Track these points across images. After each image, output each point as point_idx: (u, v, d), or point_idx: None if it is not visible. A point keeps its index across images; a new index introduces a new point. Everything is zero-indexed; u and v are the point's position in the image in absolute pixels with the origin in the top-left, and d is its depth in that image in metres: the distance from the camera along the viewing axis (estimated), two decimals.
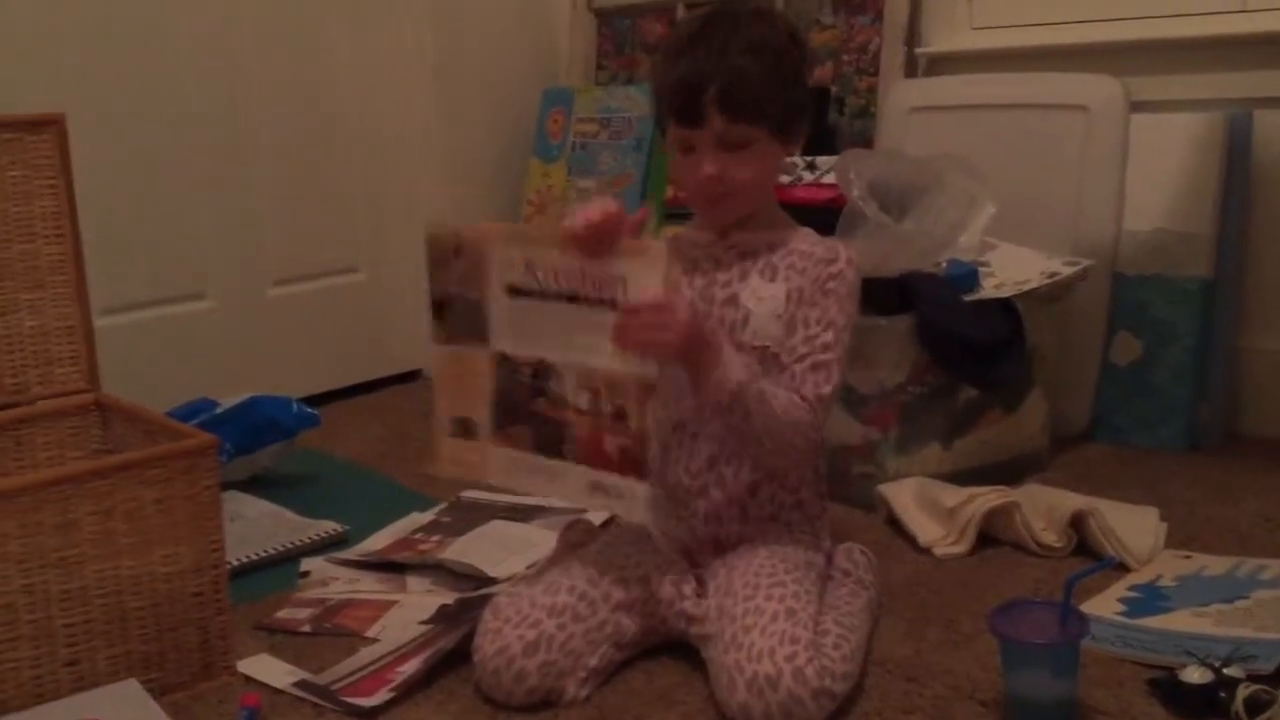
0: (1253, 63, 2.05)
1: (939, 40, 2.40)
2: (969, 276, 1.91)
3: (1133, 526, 1.66)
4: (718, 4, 1.42)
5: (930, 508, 1.75)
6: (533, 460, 1.39)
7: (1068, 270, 1.98)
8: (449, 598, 1.55)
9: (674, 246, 1.48)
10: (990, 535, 1.71)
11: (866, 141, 2.42)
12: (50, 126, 1.56)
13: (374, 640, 1.49)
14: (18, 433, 1.58)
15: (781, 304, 1.40)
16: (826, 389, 1.37)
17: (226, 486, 1.79)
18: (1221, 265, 2.07)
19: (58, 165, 1.56)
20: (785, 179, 2.25)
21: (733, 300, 1.43)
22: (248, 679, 1.40)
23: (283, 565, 1.73)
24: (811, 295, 1.40)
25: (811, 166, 2.26)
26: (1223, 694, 1.20)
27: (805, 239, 1.45)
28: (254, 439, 2.05)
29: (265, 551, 1.75)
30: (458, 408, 1.45)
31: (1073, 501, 1.68)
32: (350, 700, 1.33)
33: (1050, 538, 1.66)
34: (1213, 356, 2.08)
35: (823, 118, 2.45)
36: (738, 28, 1.36)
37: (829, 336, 1.38)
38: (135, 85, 2.30)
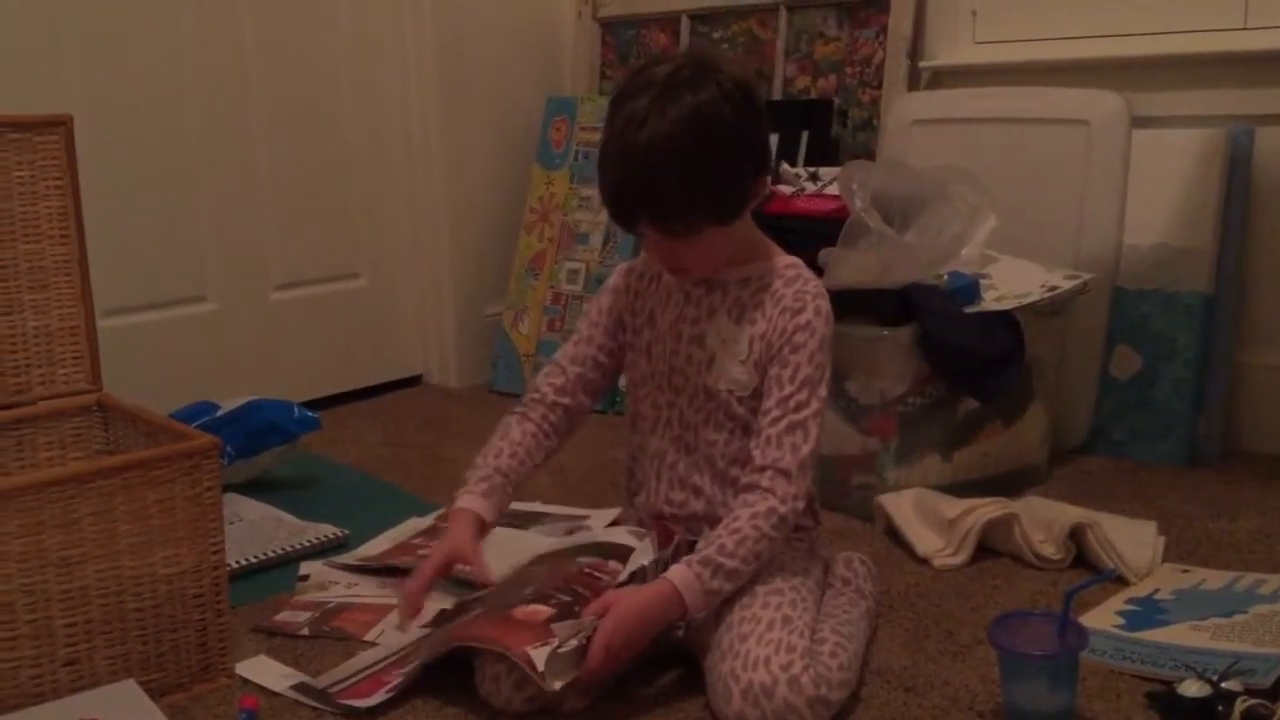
0: (1254, 79, 2.06)
1: (942, 54, 2.40)
2: (970, 289, 1.91)
3: (1131, 540, 1.66)
4: (650, 73, 1.31)
5: (929, 519, 1.75)
6: None
7: (1068, 284, 1.98)
8: (448, 602, 1.55)
9: (646, 271, 1.48)
10: (989, 547, 1.71)
11: (869, 154, 2.43)
12: (58, 128, 1.56)
13: (372, 644, 1.49)
14: (19, 432, 1.59)
15: (745, 350, 1.39)
16: (805, 450, 1.34)
17: (227, 489, 1.79)
18: (1221, 280, 2.08)
19: (64, 166, 1.57)
20: (788, 190, 2.26)
21: (699, 339, 1.42)
22: (246, 681, 1.41)
23: (282, 568, 1.74)
24: (779, 349, 1.36)
25: (815, 177, 2.27)
26: (1220, 708, 1.20)
27: (780, 274, 1.41)
28: (255, 442, 2.05)
29: (265, 554, 1.75)
30: None
31: (1071, 514, 1.68)
32: (347, 702, 1.33)
33: (1049, 550, 1.66)
34: (1212, 371, 2.09)
35: (826, 130, 2.46)
36: (663, 114, 1.27)
37: (803, 395, 1.35)
38: (140, 89, 2.30)
